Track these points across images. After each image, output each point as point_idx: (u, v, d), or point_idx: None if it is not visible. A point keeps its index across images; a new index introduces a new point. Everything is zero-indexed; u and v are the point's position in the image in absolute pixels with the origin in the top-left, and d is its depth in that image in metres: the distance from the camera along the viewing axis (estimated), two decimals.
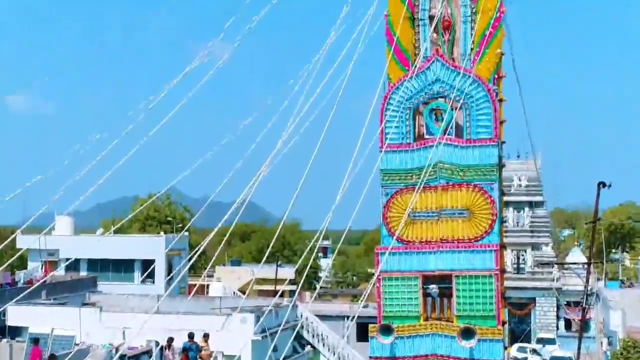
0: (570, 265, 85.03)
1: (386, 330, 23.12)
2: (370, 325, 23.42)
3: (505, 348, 23.51)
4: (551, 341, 76.67)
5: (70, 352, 37.91)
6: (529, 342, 77.72)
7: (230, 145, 22.78)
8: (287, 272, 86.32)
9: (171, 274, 64.55)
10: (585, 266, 59.36)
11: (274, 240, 25.66)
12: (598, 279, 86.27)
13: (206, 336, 39.28)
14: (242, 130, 22.99)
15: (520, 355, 70.36)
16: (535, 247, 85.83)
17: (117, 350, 38.98)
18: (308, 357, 55.66)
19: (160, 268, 66.91)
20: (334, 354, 56.21)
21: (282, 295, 64.96)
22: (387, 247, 23.11)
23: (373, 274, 25.22)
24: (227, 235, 26.22)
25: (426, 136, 23.98)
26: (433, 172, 23.29)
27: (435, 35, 24.67)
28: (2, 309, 38.49)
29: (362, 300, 32.07)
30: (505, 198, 32.22)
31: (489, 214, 23.14)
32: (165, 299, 47.42)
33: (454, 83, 23.35)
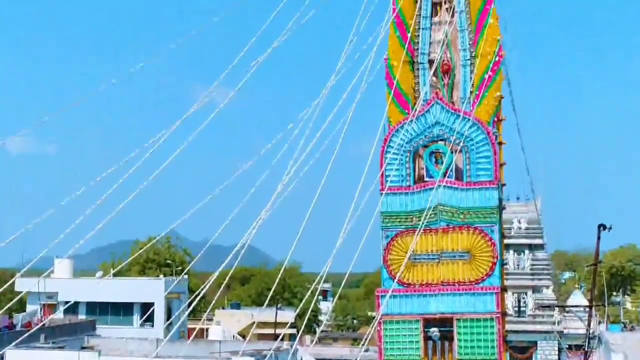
0: (572, 308, 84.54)
1: None
2: None
3: None
4: None
5: None
6: None
7: (231, 188, 22.82)
8: (287, 315, 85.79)
9: (170, 318, 64.15)
10: (587, 309, 59.06)
11: (275, 284, 25.59)
12: (600, 322, 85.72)
13: None
14: (242, 174, 23.05)
15: None
16: (536, 289, 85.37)
17: None
18: None
19: (159, 311, 66.49)
20: None
21: (282, 339, 64.51)
22: (387, 289, 23.04)
23: (374, 317, 25.11)
24: (227, 278, 26.12)
25: (426, 179, 24.05)
26: (433, 215, 23.32)
27: (434, 78, 24.86)
28: (0, 353, 38.24)
29: (363, 344, 31.87)
30: (506, 240, 32.21)
31: (489, 256, 23.12)
32: (164, 343, 47.11)
33: (454, 126, 23.47)
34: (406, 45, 24.58)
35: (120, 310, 71.74)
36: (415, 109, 24.03)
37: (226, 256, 21.39)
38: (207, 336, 72.90)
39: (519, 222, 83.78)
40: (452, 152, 23.45)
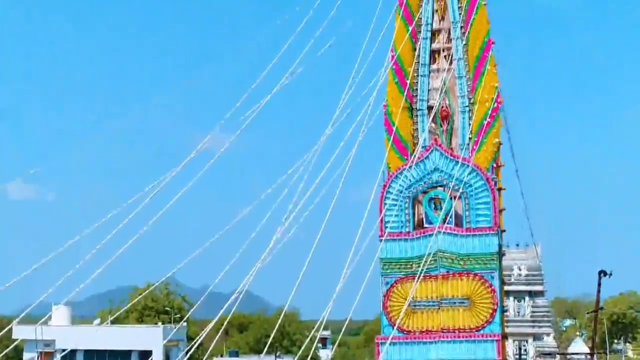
0: (573, 356, 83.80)
1: None
2: None
3: None
4: None
5: None
6: None
7: (230, 233, 22.75)
8: None
9: None
10: (588, 357, 58.58)
11: (274, 331, 25.42)
12: None
13: None
14: (241, 219, 23.01)
15: None
16: (537, 337, 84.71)
17: None
18: None
19: (157, 359, 65.92)
20: None
21: None
22: (387, 337, 22.87)
23: None
24: (225, 323, 25.92)
25: (426, 225, 24.01)
26: (433, 261, 23.23)
27: (433, 125, 24.96)
28: None
29: None
30: (506, 287, 32.06)
31: (490, 303, 22.99)
32: None
33: (453, 172, 23.50)
34: (405, 92, 24.72)
35: (118, 359, 71.09)
36: (414, 155, 24.08)
37: (224, 302, 21.26)
38: None
39: (519, 269, 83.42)
40: (451, 199, 23.45)
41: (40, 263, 20.09)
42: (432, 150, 23.88)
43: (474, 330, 22.89)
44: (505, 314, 25.15)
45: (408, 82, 24.96)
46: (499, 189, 24.60)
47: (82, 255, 20.44)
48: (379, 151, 24.76)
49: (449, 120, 24.85)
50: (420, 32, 25.40)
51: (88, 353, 70.43)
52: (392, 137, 24.58)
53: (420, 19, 25.50)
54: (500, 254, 23.88)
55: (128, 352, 71.27)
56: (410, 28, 25.27)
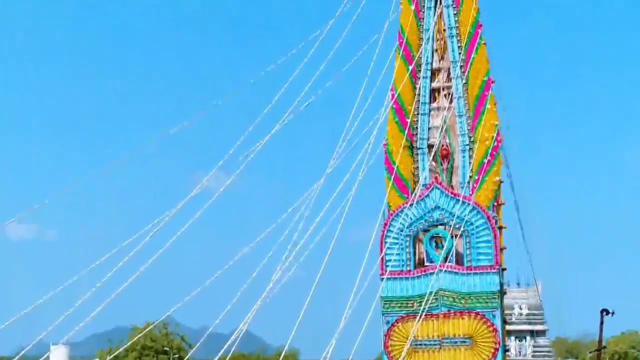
0: None
1: None
2: None
3: None
4: None
5: None
6: None
7: (229, 273, 22.64)
8: None
9: None
10: None
11: None
12: None
13: None
14: (241, 259, 22.91)
15: None
16: None
17: None
18: None
19: None
20: None
21: None
22: None
23: None
24: None
25: (427, 263, 23.94)
26: (434, 300, 23.12)
27: (434, 163, 24.99)
28: None
29: None
30: (507, 327, 31.84)
31: (491, 342, 22.84)
32: None
33: (454, 211, 23.47)
34: (405, 131, 24.78)
35: None
36: (415, 194, 24.07)
37: (224, 342, 21.08)
38: None
39: (520, 308, 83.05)
40: (452, 237, 23.40)
41: (38, 302, 19.97)
42: (432, 189, 23.87)
43: None
44: (506, 353, 24.98)
45: (408, 120, 25.03)
46: (500, 227, 24.56)
47: (81, 295, 20.33)
48: (379, 190, 24.77)
49: (450, 158, 24.88)
50: (420, 71, 25.53)
51: None
52: (392, 176, 24.59)
53: (420, 58, 25.64)
54: (502, 293, 23.77)
55: None
56: (410, 67, 25.41)
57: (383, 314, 23.66)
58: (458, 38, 25.46)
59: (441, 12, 25.83)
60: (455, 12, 25.64)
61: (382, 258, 23.72)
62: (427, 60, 25.68)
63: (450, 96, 25.34)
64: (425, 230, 24.02)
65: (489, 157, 24.04)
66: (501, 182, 24.46)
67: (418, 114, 25.24)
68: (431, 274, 23.26)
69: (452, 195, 23.72)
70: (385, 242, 23.84)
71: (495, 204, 24.42)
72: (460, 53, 25.24)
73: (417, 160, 25.01)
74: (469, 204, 23.45)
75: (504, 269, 24.42)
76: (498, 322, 22.95)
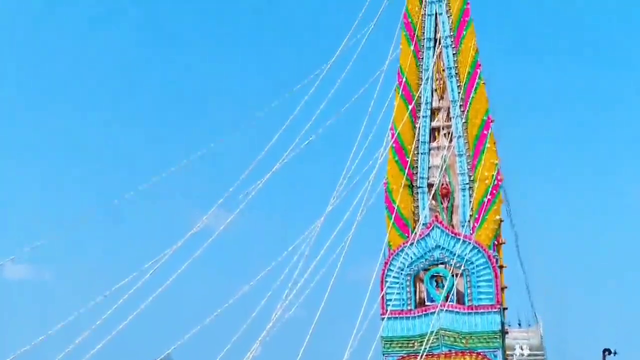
0: None
1: None
2: None
3: None
4: None
5: None
6: None
7: (229, 311, 22.54)
8: None
9: None
10: None
11: None
12: None
13: None
14: (240, 297, 22.83)
15: None
16: None
17: None
18: None
19: None
20: None
21: None
22: None
23: None
24: None
25: (427, 303, 23.82)
26: (435, 340, 22.97)
27: (434, 202, 25.00)
28: None
29: None
30: None
31: None
32: None
33: (454, 250, 23.41)
34: (405, 170, 24.82)
35: None
36: (415, 233, 24.04)
37: None
38: None
39: (522, 349, 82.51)
40: (453, 276, 23.33)
41: (36, 341, 19.87)
42: (433, 228, 23.84)
43: None
44: None
45: (408, 159, 25.09)
46: (501, 267, 24.51)
47: (80, 333, 20.24)
48: (379, 228, 24.73)
49: (450, 197, 24.90)
50: (419, 110, 25.64)
51: None
52: (393, 215, 24.58)
53: (420, 97, 25.77)
54: (503, 332, 23.63)
55: None
56: (410, 107, 25.53)
57: (384, 354, 23.50)
58: (457, 78, 25.61)
59: (440, 52, 26.02)
60: (454, 52, 25.83)
61: (382, 297, 23.62)
62: (426, 100, 25.82)
63: (450, 135, 25.43)
64: (426, 269, 23.95)
65: (489, 196, 24.05)
66: (502, 220, 24.45)
67: (418, 153, 25.31)
68: (432, 313, 23.14)
69: (453, 234, 23.69)
70: (386, 281, 23.76)
71: (496, 242, 24.39)
72: (459, 92, 25.38)
73: (417, 199, 25.03)
74: (469, 243, 23.41)
75: (505, 309, 24.31)
76: None
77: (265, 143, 24.46)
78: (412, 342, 23.28)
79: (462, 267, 23.31)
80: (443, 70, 26.02)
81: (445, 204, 24.94)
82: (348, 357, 20.71)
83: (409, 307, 23.71)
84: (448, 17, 26.21)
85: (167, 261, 22.03)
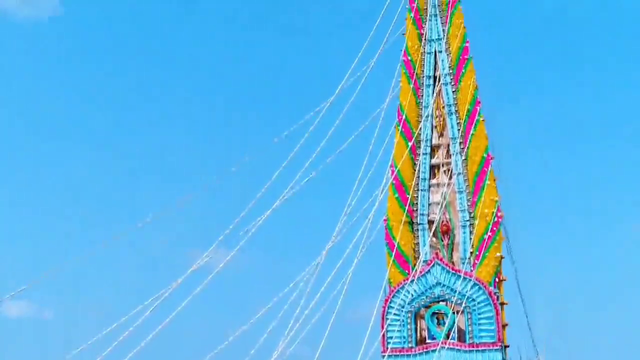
0: None
1: None
2: None
3: None
4: None
5: None
6: None
7: (229, 349, 22.47)
8: None
9: None
10: None
11: None
12: None
13: None
14: (241, 335, 22.78)
15: None
16: None
17: None
18: None
19: None
20: None
21: None
22: None
23: None
24: None
25: (428, 340, 23.73)
26: None
27: (434, 239, 25.00)
28: None
29: None
30: None
31: None
32: None
33: (455, 287, 23.38)
34: (406, 207, 24.86)
35: None
36: (416, 270, 24.02)
37: None
38: None
39: None
40: (454, 313, 23.26)
41: None
42: (433, 265, 23.82)
43: None
44: None
45: (408, 196, 25.15)
46: (502, 304, 24.43)
47: None
48: (380, 265, 24.73)
49: (450, 234, 24.92)
50: (419, 147, 25.75)
51: None
52: (393, 252, 24.57)
53: (420, 135, 25.90)
54: None
55: None
56: (410, 144, 25.64)
57: None
58: (457, 115, 25.76)
59: (440, 90, 26.19)
60: (453, 90, 26.00)
61: (383, 335, 23.54)
62: (426, 137, 25.94)
63: (449, 172, 25.50)
64: (427, 307, 23.89)
65: (489, 233, 24.07)
66: (502, 257, 24.43)
67: (418, 190, 25.37)
68: (433, 350, 23.05)
69: (453, 271, 23.66)
70: (387, 319, 23.69)
71: (497, 279, 24.34)
72: (459, 130, 25.51)
73: (418, 236, 25.04)
74: (470, 280, 23.38)
75: (506, 346, 24.18)
76: None
77: (266, 180, 24.55)
78: None
79: (463, 304, 23.25)
80: (443, 107, 26.18)
81: (445, 241, 24.94)
82: None
83: (410, 345, 23.62)
84: (447, 55, 26.44)
85: (168, 298, 22.01)
